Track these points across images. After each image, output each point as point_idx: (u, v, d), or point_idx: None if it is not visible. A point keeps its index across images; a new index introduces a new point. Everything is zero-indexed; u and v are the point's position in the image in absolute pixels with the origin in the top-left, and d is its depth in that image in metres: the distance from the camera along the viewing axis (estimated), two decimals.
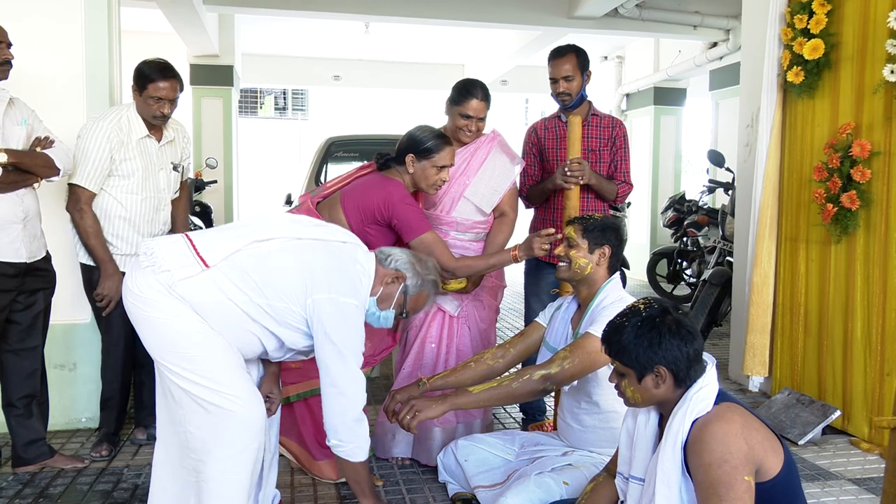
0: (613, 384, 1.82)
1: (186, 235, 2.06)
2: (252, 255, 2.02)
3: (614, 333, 1.75)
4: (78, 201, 2.88)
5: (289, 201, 6.35)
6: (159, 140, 3.04)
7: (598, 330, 2.15)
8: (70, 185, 2.89)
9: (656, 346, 1.69)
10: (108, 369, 3.12)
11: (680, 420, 1.68)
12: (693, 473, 1.64)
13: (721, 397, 1.71)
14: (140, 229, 3.00)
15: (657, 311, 1.73)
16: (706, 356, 1.77)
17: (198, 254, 1.99)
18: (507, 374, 2.45)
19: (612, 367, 1.80)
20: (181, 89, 3.01)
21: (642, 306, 1.76)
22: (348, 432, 2.14)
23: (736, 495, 1.55)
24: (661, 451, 1.69)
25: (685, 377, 1.70)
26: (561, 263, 2.48)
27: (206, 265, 1.97)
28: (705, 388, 1.70)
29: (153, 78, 2.90)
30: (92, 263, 2.95)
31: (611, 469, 2.02)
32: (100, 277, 2.91)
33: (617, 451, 1.97)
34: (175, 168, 3.15)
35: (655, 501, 1.67)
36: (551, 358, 2.33)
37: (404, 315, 2.27)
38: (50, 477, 2.82)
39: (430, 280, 2.28)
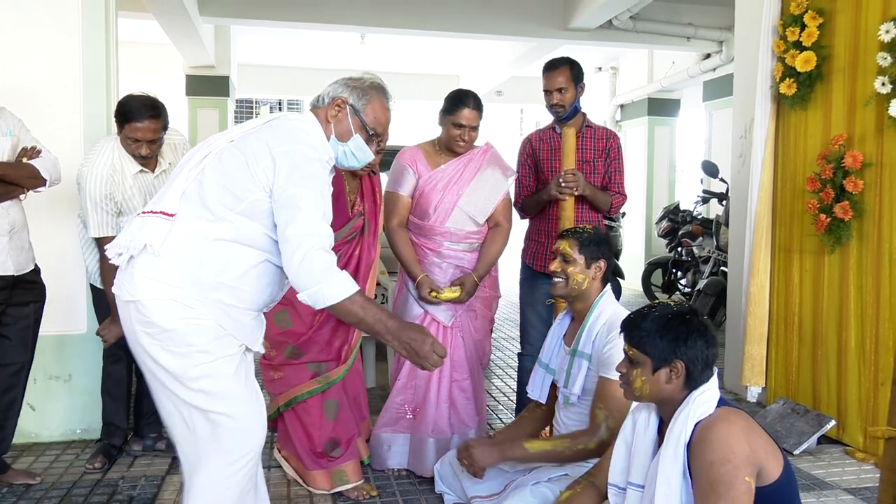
0: (620, 373, 1.82)
1: (139, 213, 1.95)
2: (197, 182, 1.84)
3: (642, 320, 1.75)
4: (101, 250, 2.78)
5: None
6: (153, 170, 2.94)
7: (615, 373, 2.14)
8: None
9: (682, 340, 1.71)
10: (110, 382, 3.09)
11: (683, 422, 1.69)
12: (694, 473, 1.64)
13: (722, 403, 1.73)
14: None
15: (687, 310, 1.77)
16: None
17: (154, 212, 1.84)
18: (560, 434, 2.42)
19: (628, 355, 1.79)
20: (165, 128, 2.84)
21: (672, 303, 1.79)
22: (324, 271, 1.77)
23: (736, 495, 1.56)
24: (663, 453, 1.70)
25: (696, 379, 1.72)
26: (557, 280, 2.43)
27: (170, 214, 1.82)
28: (708, 392, 1.72)
29: (131, 117, 2.75)
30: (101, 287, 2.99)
31: (594, 478, 2.02)
32: (107, 313, 2.88)
33: (600, 462, 1.97)
34: None
35: (655, 502, 1.67)
36: (593, 421, 2.28)
37: (374, 134, 2.04)
38: (45, 488, 2.81)
39: (370, 84, 2.05)
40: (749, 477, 1.58)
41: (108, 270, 2.85)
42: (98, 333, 2.89)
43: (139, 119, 2.74)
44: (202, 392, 1.82)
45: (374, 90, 2.04)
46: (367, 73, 2.09)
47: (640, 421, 1.86)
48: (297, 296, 1.81)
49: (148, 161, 2.88)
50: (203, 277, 1.81)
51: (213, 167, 1.86)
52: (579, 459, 2.30)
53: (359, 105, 2.02)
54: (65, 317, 3.29)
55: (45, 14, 3.26)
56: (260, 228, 1.85)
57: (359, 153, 2.04)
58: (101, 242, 2.84)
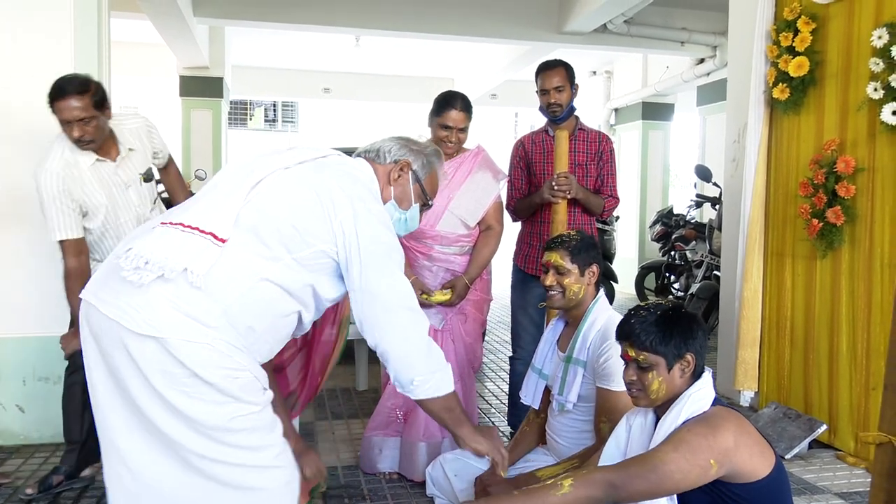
0: (630, 381, 1.80)
1: (168, 221, 1.61)
2: (254, 209, 1.61)
3: (644, 323, 1.75)
4: (64, 255, 2.66)
5: None
6: (114, 159, 2.72)
7: (617, 384, 2.14)
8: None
9: (688, 332, 1.73)
10: (66, 396, 2.83)
11: (675, 416, 1.70)
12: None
13: (716, 403, 1.74)
14: None
15: (678, 304, 1.80)
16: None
17: (202, 231, 1.54)
18: (567, 457, 2.38)
19: (636, 362, 1.77)
20: (99, 106, 2.58)
21: (661, 301, 1.82)
22: (424, 359, 1.71)
23: (691, 458, 1.56)
24: (651, 446, 1.71)
25: (700, 370, 1.75)
26: (553, 293, 2.38)
27: (221, 240, 1.54)
28: (704, 390, 1.74)
29: (54, 97, 2.53)
30: None
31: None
32: (72, 326, 2.70)
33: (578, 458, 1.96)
34: (147, 178, 2.85)
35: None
36: (598, 435, 2.25)
37: (429, 204, 1.98)
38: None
39: (432, 151, 1.98)
40: (715, 462, 1.58)
41: (74, 276, 2.64)
42: (61, 340, 2.70)
43: (60, 97, 2.52)
44: (241, 447, 1.56)
45: (436, 158, 1.99)
46: (422, 136, 2.05)
47: (635, 425, 1.86)
48: (399, 381, 1.71)
49: (97, 146, 2.64)
50: (239, 321, 1.56)
51: (275, 197, 1.64)
52: None
53: (422, 173, 1.93)
54: (53, 318, 3.26)
55: (37, 13, 3.24)
56: (309, 279, 1.67)
57: (411, 222, 1.96)
58: (65, 246, 2.64)
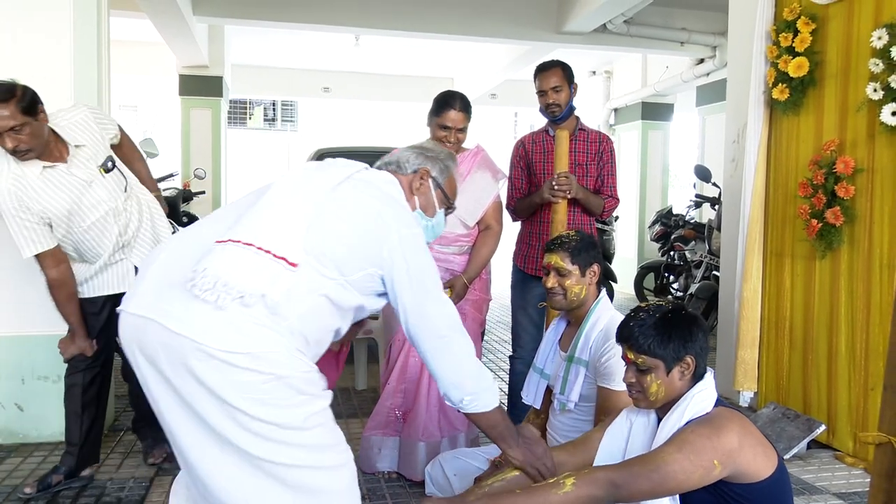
0: (629, 384, 1.81)
1: (239, 239, 1.60)
2: (315, 234, 1.64)
3: (643, 325, 1.75)
4: (42, 268, 2.61)
5: None
6: (65, 160, 2.58)
7: (618, 384, 2.14)
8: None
9: (688, 334, 1.73)
10: (65, 395, 2.81)
11: (677, 417, 1.70)
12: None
13: (719, 404, 1.74)
14: (109, 249, 2.71)
15: (679, 305, 1.79)
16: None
17: (276, 256, 1.57)
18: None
19: (635, 365, 1.77)
20: (28, 111, 2.41)
21: (662, 302, 1.80)
22: (474, 379, 1.79)
23: (695, 459, 1.56)
24: (654, 446, 1.71)
25: (701, 372, 1.75)
26: (555, 295, 2.37)
27: (292, 265, 1.58)
28: (706, 391, 1.73)
29: None
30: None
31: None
32: (71, 333, 2.71)
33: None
34: (107, 169, 2.68)
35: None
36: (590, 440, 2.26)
37: (453, 207, 2.06)
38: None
39: (446, 156, 2.05)
40: (719, 463, 1.58)
41: (57, 287, 2.62)
42: (59, 344, 2.73)
43: None
44: (315, 447, 1.60)
45: (451, 162, 2.05)
46: (431, 141, 2.11)
47: (637, 423, 1.86)
48: (458, 404, 1.78)
49: (37, 154, 2.50)
50: (298, 332, 1.61)
51: (331, 223, 1.68)
52: None
53: (441, 178, 2.00)
54: (52, 317, 3.25)
55: (36, 13, 3.24)
56: (359, 300, 1.73)
57: (437, 228, 2.03)
58: (40, 259, 2.58)
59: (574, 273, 2.34)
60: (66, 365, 2.79)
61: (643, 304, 1.83)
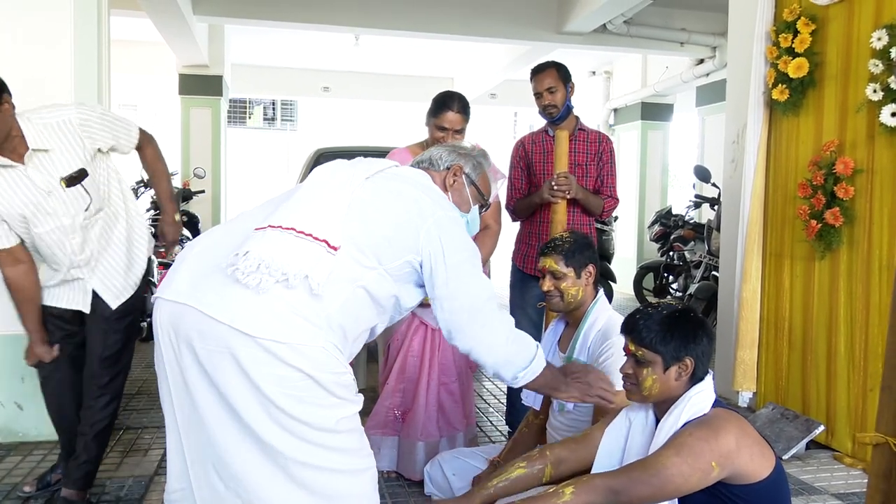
0: (625, 374, 1.82)
1: (279, 224, 1.58)
2: (355, 220, 1.64)
3: (649, 319, 1.75)
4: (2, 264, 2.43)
5: None
6: (22, 160, 2.32)
7: (615, 384, 2.14)
8: None
9: (691, 336, 1.73)
10: (48, 405, 2.68)
11: (675, 418, 1.71)
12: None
13: (717, 405, 1.74)
14: (66, 263, 2.46)
15: (689, 307, 1.80)
16: None
17: (315, 238, 1.55)
18: None
19: (635, 356, 1.78)
20: None
21: (673, 302, 1.82)
22: (523, 352, 1.80)
23: (693, 462, 1.57)
24: (651, 448, 1.71)
25: (699, 374, 1.75)
26: (552, 298, 2.37)
27: (333, 248, 1.56)
28: (704, 392, 1.74)
29: None
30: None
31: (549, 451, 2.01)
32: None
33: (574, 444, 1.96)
34: (69, 182, 2.38)
35: None
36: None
37: (487, 204, 2.07)
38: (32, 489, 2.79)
39: (479, 153, 2.06)
40: (717, 465, 1.59)
41: (15, 288, 2.45)
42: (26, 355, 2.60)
43: None
44: (341, 450, 1.59)
45: (484, 159, 2.05)
46: (472, 144, 2.11)
47: (636, 421, 1.86)
48: (502, 378, 1.80)
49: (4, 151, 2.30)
50: (337, 325, 1.59)
51: (369, 209, 1.68)
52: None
53: (474, 175, 2.00)
54: None
55: (36, 13, 3.24)
56: (395, 289, 1.71)
57: (473, 225, 2.02)
58: None
59: (569, 275, 2.34)
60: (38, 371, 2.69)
61: (656, 301, 1.85)
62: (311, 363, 1.51)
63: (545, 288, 2.37)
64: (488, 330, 1.76)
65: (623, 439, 1.87)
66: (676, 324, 1.74)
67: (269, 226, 1.58)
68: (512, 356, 1.79)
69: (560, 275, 2.34)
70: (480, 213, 2.07)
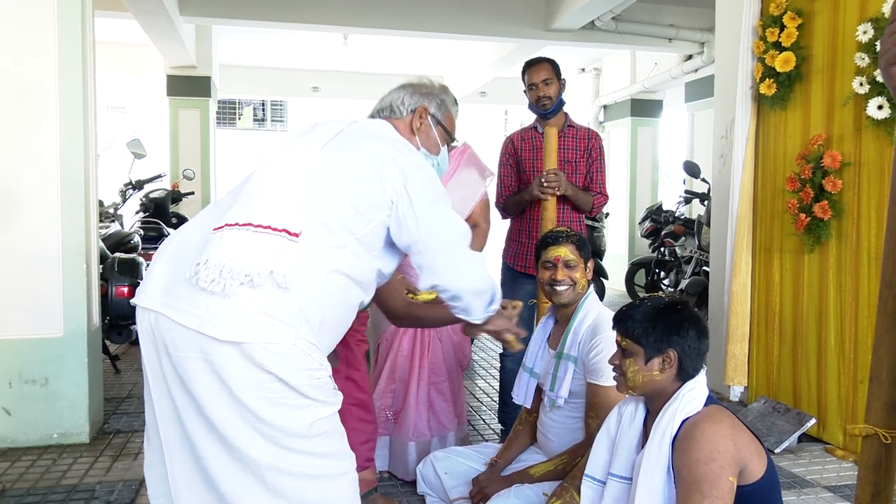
0: (613, 364, 1.83)
1: (235, 222, 1.53)
2: (314, 197, 1.57)
3: (634, 311, 1.77)
4: None
5: None
6: None
7: (606, 380, 2.16)
8: None
9: (674, 329, 1.72)
10: None
11: (670, 417, 1.70)
12: (678, 469, 1.65)
13: (710, 401, 1.74)
14: None
15: (679, 301, 1.79)
16: None
17: (274, 229, 1.50)
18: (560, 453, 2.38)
19: (621, 347, 1.79)
20: None
21: (664, 295, 1.82)
22: (488, 294, 1.80)
23: (719, 493, 1.57)
24: (648, 447, 1.71)
25: (688, 370, 1.73)
26: (563, 288, 2.36)
27: (295, 234, 1.50)
28: (697, 389, 1.73)
29: None
30: None
31: (577, 481, 2.02)
32: None
33: (582, 462, 1.96)
34: None
35: (637, 496, 1.68)
36: (588, 431, 2.28)
37: (454, 140, 2.02)
38: (20, 494, 2.77)
39: (440, 89, 1.97)
40: (732, 477, 1.59)
41: None
42: None
43: None
44: (316, 455, 1.52)
45: (446, 95, 1.97)
46: (426, 77, 2.00)
47: (626, 414, 1.87)
48: (471, 313, 1.79)
49: None
50: (312, 316, 1.53)
51: (329, 181, 1.60)
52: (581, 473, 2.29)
53: (440, 114, 1.92)
54: (41, 320, 3.25)
55: (19, 15, 3.20)
56: (374, 263, 1.66)
57: (443, 166, 1.97)
58: None
59: (580, 265, 2.38)
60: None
61: (654, 294, 1.85)
62: (281, 362, 1.46)
63: (559, 276, 2.36)
64: (462, 269, 1.72)
65: (614, 431, 1.87)
66: (660, 316, 1.73)
67: (227, 224, 1.53)
68: (480, 296, 1.77)
69: (573, 263, 2.37)
70: (449, 150, 2.01)
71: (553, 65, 3.17)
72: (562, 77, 3.20)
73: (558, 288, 2.38)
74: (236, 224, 1.52)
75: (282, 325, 1.47)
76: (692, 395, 1.71)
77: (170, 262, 1.59)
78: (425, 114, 1.90)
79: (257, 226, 1.50)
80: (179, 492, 1.55)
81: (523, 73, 3.20)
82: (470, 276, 1.74)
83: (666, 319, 1.73)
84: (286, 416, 1.47)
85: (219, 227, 1.54)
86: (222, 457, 1.48)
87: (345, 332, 1.72)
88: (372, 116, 1.93)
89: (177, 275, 1.53)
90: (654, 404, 1.79)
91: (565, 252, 2.37)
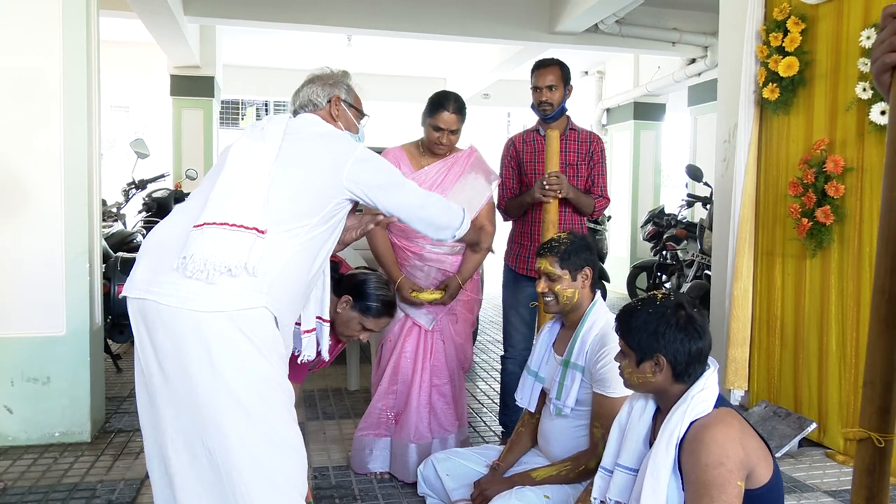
0: (617, 362, 1.86)
1: (213, 221, 1.77)
2: (277, 197, 1.84)
3: (626, 315, 1.81)
4: None
5: None
6: None
7: (612, 390, 2.17)
8: None
9: (660, 335, 1.73)
10: None
11: (679, 418, 1.70)
12: (686, 472, 1.65)
13: (720, 402, 1.73)
14: None
15: (671, 304, 1.77)
16: (710, 360, 1.79)
17: (246, 227, 1.76)
18: (563, 459, 2.39)
19: (620, 347, 1.84)
20: None
21: (660, 296, 1.81)
22: (456, 220, 2.22)
23: (727, 499, 1.57)
24: (655, 446, 1.71)
25: (683, 372, 1.73)
26: (547, 300, 2.36)
27: (262, 232, 1.77)
28: (707, 391, 1.73)
29: None
30: None
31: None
32: None
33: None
34: None
35: (643, 494, 1.68)
36: (592, 440, 2.28)
37: (367, 115, 2.31)
38: (21, 492, 2.77)
39: (341, 73, 2.27)
40: (741, 481, 1.59)
41: None
42: None
43: None
44: (275, 422, 1.77)
45: (347, 77, 2.26)
46: (326, 67, 2.29)
47: (636, 407, 1.88)
48: (444, 237, 2.22)
49: None
50: (280, 291, 1.80)
51: (290, 179, 1.87)
52: (582, 480, 2.29)
53: (350, 98, 2.21)
54: (43, 319, 3.26)
55: (24, 14, 3.21)
56: (333, 235, 1.98)
57: (363, 138, 2.27)
58: None
59: (564, 277, 2.33)
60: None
61: (649, 294, 1.86)
62: (252, 326, 1.72)
63: (539, 289, 2.37)
64: (433, 214, 2.14)
65: (624, 423, 1.89)
66: (647, 321, 1.75)
67: (205, 223, 1.77)
68: (453, 222, 2.20)
69: (555, 276, 2.33)
70: (362, 124, 2.28)
71: (563, 69, 3.15)
72: (570, 83, 3.18)
73: (545, 299, 2.38)
74: (214, 223, 1.77)
75: (256, 292, 1.74)
76: (701, 397, 1.71)
77: (151, 258, 1.82)
78: (338, 101, 2.17)
79: (232, 224, 1.76)
80: (165, 439, 1.78)
81: (533, 71, 3.20)
82: (440, 223, 2.17)
83: (652, 325, 1.74)
84: (267, 366, 1.76)
85: (198, 225, 1.77)
86: (218, 400, 1.72)
87: (313, 287, 2.03)
88: (295, 112, 2.18)
89: (160, 267, 1.77)
90: (662, 402, 1.80)
91: (545, 265, 2.34)
